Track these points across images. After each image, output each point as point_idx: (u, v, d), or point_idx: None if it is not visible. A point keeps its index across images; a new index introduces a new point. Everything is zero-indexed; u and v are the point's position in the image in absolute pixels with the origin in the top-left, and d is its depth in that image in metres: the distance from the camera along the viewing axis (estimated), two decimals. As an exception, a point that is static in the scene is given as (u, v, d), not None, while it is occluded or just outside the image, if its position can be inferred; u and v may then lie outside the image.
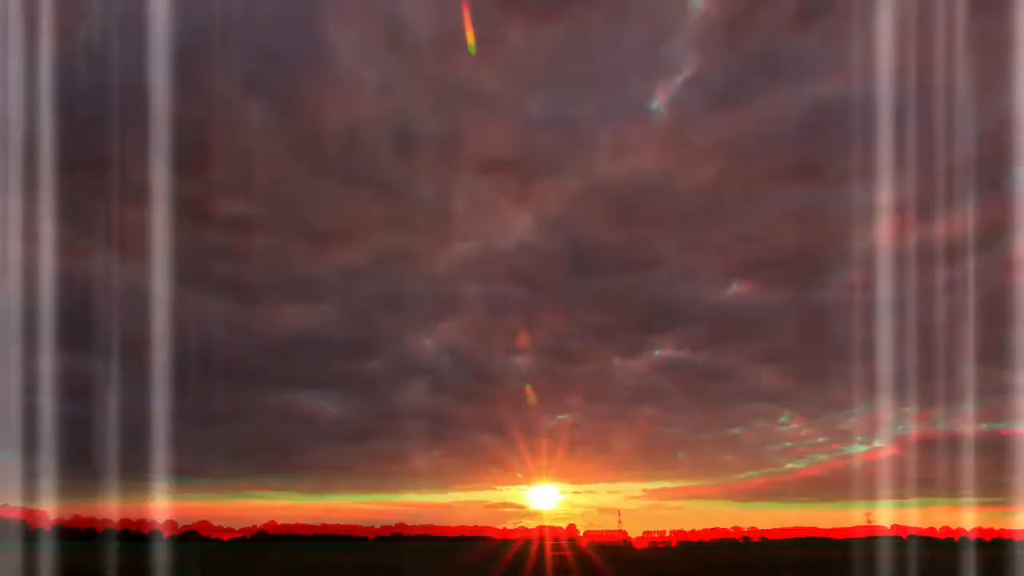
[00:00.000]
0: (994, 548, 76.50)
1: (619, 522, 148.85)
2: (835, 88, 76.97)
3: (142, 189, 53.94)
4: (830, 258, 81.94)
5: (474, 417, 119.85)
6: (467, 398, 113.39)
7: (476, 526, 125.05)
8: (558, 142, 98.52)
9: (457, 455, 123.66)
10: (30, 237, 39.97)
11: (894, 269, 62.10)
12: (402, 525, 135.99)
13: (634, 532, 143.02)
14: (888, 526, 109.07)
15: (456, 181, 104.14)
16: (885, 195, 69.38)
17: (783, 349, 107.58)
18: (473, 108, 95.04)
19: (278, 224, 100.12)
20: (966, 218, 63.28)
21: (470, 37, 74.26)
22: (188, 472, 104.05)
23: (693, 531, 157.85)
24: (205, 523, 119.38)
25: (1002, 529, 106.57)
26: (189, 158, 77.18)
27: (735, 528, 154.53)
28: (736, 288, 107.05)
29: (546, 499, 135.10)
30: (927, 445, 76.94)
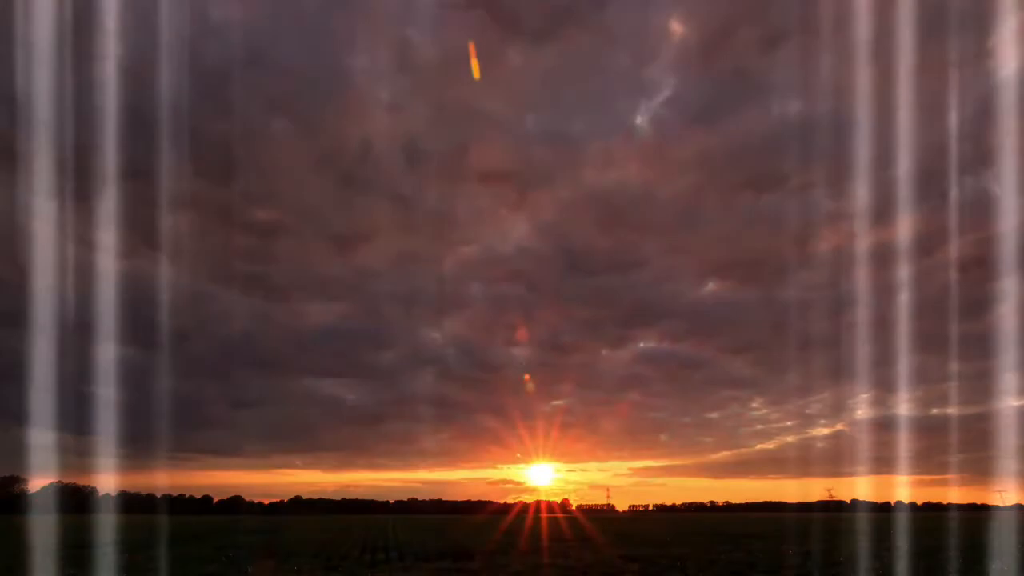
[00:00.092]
0: (938, 515, 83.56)
1: (608, 497, 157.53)
2: (798, 106, 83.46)
3: (182, 198, 59.49)
4: (794, 259, 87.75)
5: (477, 402, 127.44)
6: (471, 385, 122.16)
7: (480, 500, 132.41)
8: (552, 155, 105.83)
9: (462, 436, 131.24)
10: (85, 241, 45.20)
11: (851, 269, 67.08)
12: (414, 500, 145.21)
13: (621, 506, 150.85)
14: (848, 499, 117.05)
15: (460, 190, 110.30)
16: (842, 202, 74.34)
17: (754, 341, 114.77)
18: (475, 125, 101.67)
19: (302, 229, 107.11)
20: (915, 223, 68.25)
21: (475, 67, 79.13)
22: (226, 449, 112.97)
23: (673, 504, 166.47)
24: (240, 495, 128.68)
25: (943, 500, 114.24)
26: (222, 171, 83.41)
27: (711, 503, 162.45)
28: (711, 286, 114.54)
29: (542, 476, 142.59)
30: (881, 426, 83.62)
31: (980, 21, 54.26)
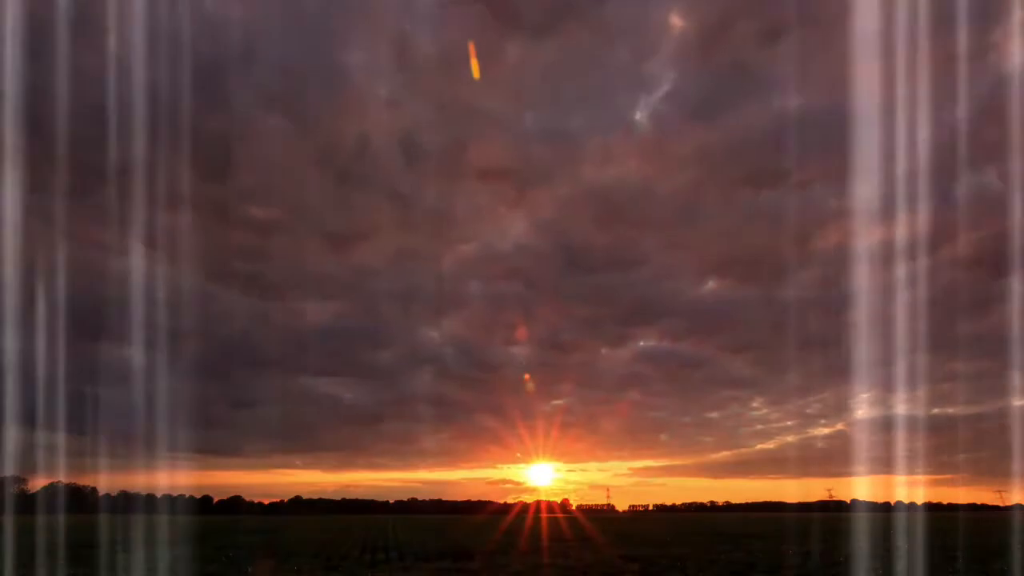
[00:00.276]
0: (942, 515, 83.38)
1: (608, 497, 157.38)
2: (799, 100, 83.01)
3: (178, 196, 58.93)
4: (795, 257, 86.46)
5: (477, 402, 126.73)
6: (470, 385, 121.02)
7: (480, 500, 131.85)
8: (551, 152, 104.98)
9: (462, 436, 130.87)
10: (81, 239, 44.62)
11: (852, 267, 66.72)
12: (413, 500, 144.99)
13: (621, 506, 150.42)
14: (848, 499, 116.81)
15: (458, 188, 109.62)
16: (844, 199, 73.69)
17: (754, 340, 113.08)
18: (473, 122, 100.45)
19: (298, 227, 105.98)
20: (918, 221, 67.87)
21: (475, 67, 78.84)
22: (224, 449, 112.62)
23: (673, 504, 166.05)
24: (240, 495, 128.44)
25: (948, 501, 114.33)
26: (219, 168, 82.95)
27: (711, 502, 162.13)
28: (711, 284, 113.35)
29: (542, 476, 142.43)
30: (882, 426, 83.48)
31: (985, 14, 53.62)
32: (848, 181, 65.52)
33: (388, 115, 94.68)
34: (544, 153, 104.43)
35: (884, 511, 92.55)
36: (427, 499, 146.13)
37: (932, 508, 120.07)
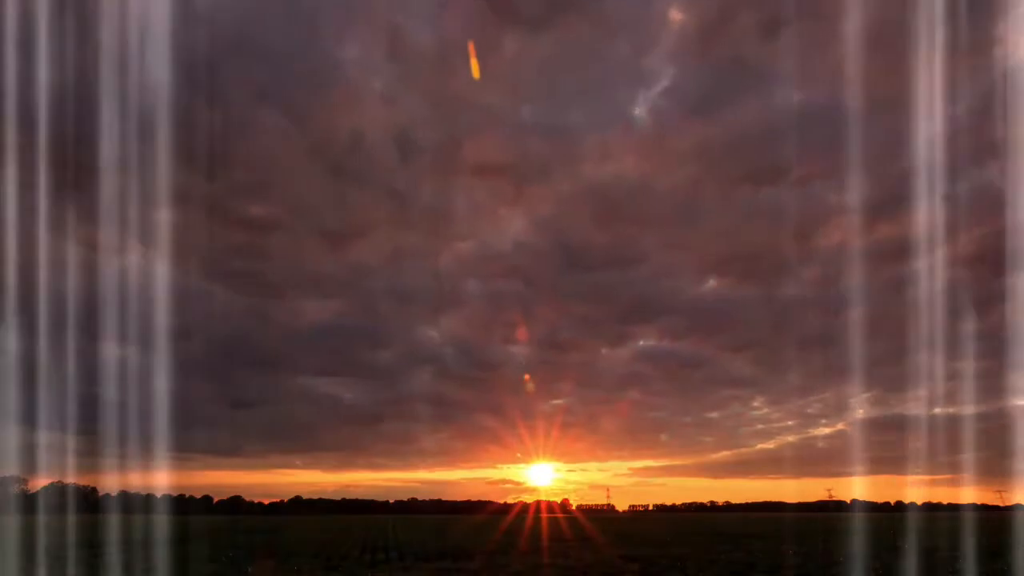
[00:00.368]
0: (942, 516, 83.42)
1: (608, 497, 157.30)
2: (800, 95, 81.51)
3: (172, 193, 58.36)
4: (795, 255, 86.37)
5: (476, 401, 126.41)
6: (469, 384, 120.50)
7: (480, 500, 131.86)
8: (548, 148, 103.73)
9: (461, 436, 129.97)
10: (75, 237, 44.18)
11: (852, 265, 66.42)
12: (413, 500, 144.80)
13: (621, 506, 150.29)
14: (848, 500, 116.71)
15: (455, 184, 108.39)
16: (845, 196, 73.17)
17: (755, 339, 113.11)
18: (470, 116, 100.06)
19: (295, 224, 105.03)
20: (919, 218, 67.22)
21: (475, 67, 78.53)
22: (224, 449, 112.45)
23: (673, 504, 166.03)
24: (240, 496, 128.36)
25: (948, 501, 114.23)
26: (213, 164, 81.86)
27: (710, 503, 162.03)
28: (711, 283, 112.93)
29: (542, 476, 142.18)
30: (883, 425, 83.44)
31: (990, 6, 53.04)
32: (849, 177, 65.21)
33: (383, 110, 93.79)
34: (542, 149, 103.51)
35: (884, 511, 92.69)
36: (427, 499, 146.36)
37: (932, 508, 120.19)
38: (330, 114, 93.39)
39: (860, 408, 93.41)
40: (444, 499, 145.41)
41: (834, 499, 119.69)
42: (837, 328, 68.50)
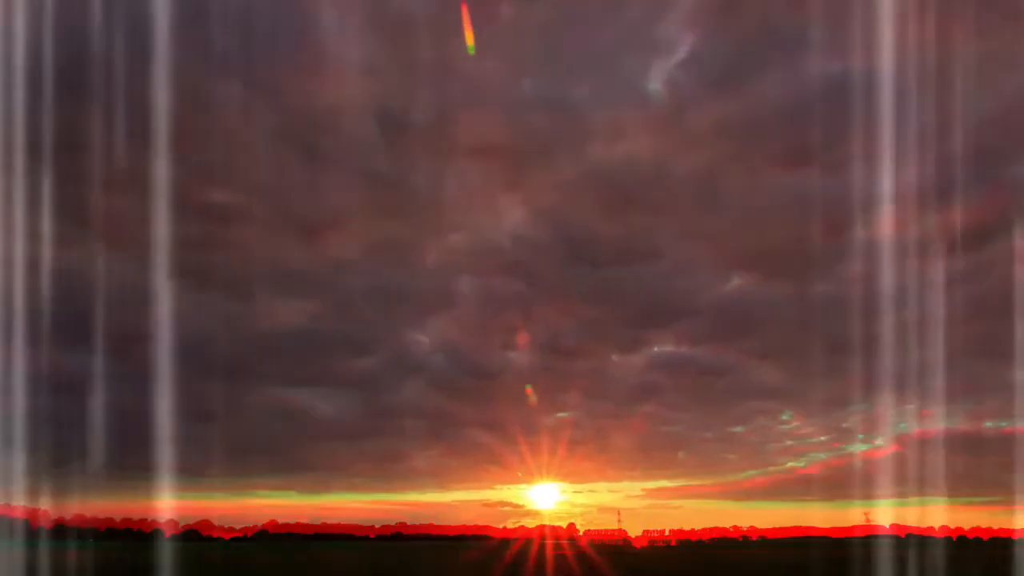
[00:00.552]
0: (995, 547, 75.90)
1: (619, 521, 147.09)
2: (835, 66, 71.67)
3: (124, 176, 51.53)
4: (831, 248, 77.85)
5: (472, 415, 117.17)
6: (463, 395, 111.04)
7: (476, 525, 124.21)
8: (551, 126, 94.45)
9: (455, 454, 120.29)
10: (14, 228, 38.37)
11: (896, 260, 60.33)
12: (402, 524, 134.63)
13: (634, 531, 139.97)
14: (887, 525, 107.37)
15: (444, 167, 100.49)
16: (887, 182, 66.60)
17: (784, 344, 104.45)
18: (462, 90, 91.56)
19: (263, 213, 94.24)
20: (970, 207, 60.68)
21: (469, 38, 72.34)
22: (186, 471, 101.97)
23: (693, 530, 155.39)
24: (206, 522, 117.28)
25: (1002, 528, 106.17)
26: (169, 144, 74.05)
27: (734, 528, 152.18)
28: (735, 281, 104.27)
29: (546, 498, 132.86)
30: (929, 443, 76.03)
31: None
32: (893, 160, 59.47)
33: (362, 83, 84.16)
34: (544, 126, 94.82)
35: (931, 540, 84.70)
36: (417, 524, 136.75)
37: (987, 537, 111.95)
38: (301, 87, 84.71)
39: (903, 422, 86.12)
40: (436, 524, 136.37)
41: (871, 524, 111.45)
42: (877, 332, 62.25)
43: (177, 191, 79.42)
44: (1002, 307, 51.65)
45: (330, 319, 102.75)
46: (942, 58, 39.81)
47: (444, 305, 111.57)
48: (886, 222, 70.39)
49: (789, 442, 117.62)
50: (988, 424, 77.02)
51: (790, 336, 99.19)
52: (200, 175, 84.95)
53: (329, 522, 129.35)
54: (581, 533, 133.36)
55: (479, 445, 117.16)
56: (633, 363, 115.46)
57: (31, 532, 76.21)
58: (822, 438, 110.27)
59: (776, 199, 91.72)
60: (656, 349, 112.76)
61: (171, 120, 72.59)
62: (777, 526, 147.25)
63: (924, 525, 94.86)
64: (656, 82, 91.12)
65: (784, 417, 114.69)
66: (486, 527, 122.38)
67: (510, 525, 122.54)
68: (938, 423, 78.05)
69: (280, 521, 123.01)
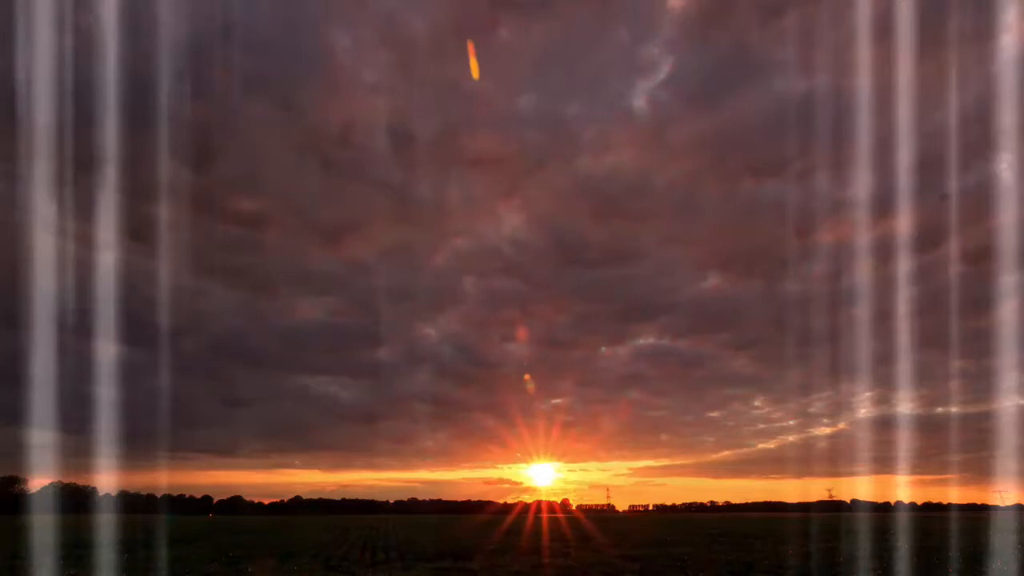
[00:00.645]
0: (943, 518, 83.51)
1: (608, 497, 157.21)
2: (802, 85, 79.37)
3: (162, 187, 57.01)
4: (799, 250, 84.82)
5: (475, 401, 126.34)
6: (468, 383, 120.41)
7: (479, 500, 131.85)
8: (545, 140, 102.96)
9: (460, 435, 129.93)
10: (68, 234, 43.48)
11: (855, 261, 65.29)
12: (413, 500, 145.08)
13: (621, 506, 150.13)
14: (847, 498, 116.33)
15: (449, 178, 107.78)
16: (848, 190, 71.77)
17: (756, 337, 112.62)
18: (464, 106, 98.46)
19: (287, 219, 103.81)
20: (921, 213, 64.85)
21: (474, 68, 77.78)
22: (222, 450, 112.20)
23: (673, 504, 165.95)
24: (239, 497, 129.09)
25: (949, 501, 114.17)
26: (203, 157, 79.52)
27: (710, 502, 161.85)
28: (712, 280, 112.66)
29: (542, 476, 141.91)
30: (883, 425, 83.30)
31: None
32: (853, 170, 63.53)
33: (374, 100, 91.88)
34: (539, 140, 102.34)
35: (885, 511, 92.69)
36: (427, 499, 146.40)
37: (932, 508, 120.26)
38: (320, 104, 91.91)
39: (862, 407, 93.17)
40: (444, 499, 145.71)
41: (834, 499, 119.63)
42: (840, 326, 67.62)
43: (213, 200, 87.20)
44: (949, 303, 56.92)
45: (348, 314, 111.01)
46: (901, 74, 43.27)
47: (450, 302, 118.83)
48: (847, 227, 75.80)
49: (761, 425, 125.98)
50: (939, 409, 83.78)
51: (762, 330, 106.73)
52: (232, 186, 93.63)
53: (349, 497, 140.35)
54: (574, 507, 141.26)
55: (482, 428, 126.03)
56: (620, 354, 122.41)
57: (87, 502, 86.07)
58: (790, 422, 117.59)
59: (749, 206, 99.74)
60: (641, 341, 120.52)
61: (206, 136, 78.67)
62: (749, 500, 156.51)
63: (881, 499, 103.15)
64: (640, 100, 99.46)
65: (756, 403, 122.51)
66: (488, 501, 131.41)
67: (510, 500, 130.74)
68: (893, 407, 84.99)
69: (305, 496, 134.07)
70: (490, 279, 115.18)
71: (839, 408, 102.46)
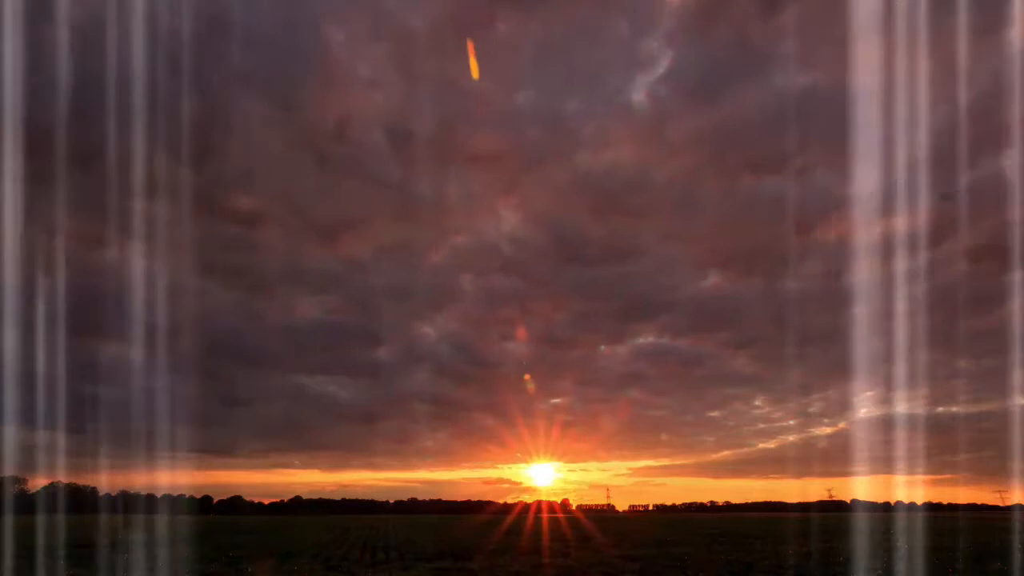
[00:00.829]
0: (941, 515, 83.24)
1: (608, 497, 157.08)
2: (803, 80, 77.90)
3: (155, 183, 56.29)
4: (800, 248, 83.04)
5: (474, 400, 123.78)
6: (467, 383, 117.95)
7: (479, 500, 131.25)
8: (544, 136, 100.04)
9: (460, 435, 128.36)
10: (57, 230, 42.79)
11: (857, 260, 64.53)
12: (413, 500, 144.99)
13: (621, 506, 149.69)
14: (847, 498, 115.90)
15: (447, 175, 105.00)
16: (850, 186, 70.59)
17: (757, 336, 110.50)
18: (462, 102, 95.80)
19: (283, 217, 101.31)
20: (924, 211, 64.13)
21: (474, 67, 77.35)
22: (220, 449, 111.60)
23: (673, 504, 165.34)
24: (239, 497, 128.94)
25: (951, 502, 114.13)
26: (196, 154, 77.22)
27: (710, 502, 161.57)
28: (712, 278, 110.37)
29: (542, 476, 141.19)
30: (884, 424, 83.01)
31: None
32: (854, 166, 62.48)
33: (370, 96, 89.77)
34: (537, 137, 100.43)
35: (885, 511, 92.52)
36: (427, 499, 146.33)
37: (932, 508, 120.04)
38: (315, 100, 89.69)
39: (863, 407, 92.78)
40: (444, 499, 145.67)
41: (834, 499, 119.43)
42: (840, 324, 66.62)
43: (208, 198, 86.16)
44: (953, 302, 56.48)
45: (346, 313, 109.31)
46: (901, 69, 42.64)
47: (448, 301, 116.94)
48: (848, 224, 74.45)
49: (761, 425, 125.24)
50: (940, 409, 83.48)
51: (762, 328, 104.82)
52: (228, 183, 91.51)
53: (349, 497, 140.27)
54: (574, 508, 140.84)
55: (482, 428, 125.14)
56: (620, 353, 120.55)
57: (87, 502, 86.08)
58: (790, 421, 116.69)
59: (749, 203, 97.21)
60: (641, 340, 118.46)
61: (200, 133, 77.59)
62: (749, 500, 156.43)
63: (881, 498, 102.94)
64: (639, 95, 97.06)
65: (756, 403, 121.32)
66: (489, 503, 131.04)
67: (510, 500, 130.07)
68: (892, 407, 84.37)
69: (304, 496, 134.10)
70: (489, 277, 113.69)
71: (839, 408, 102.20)
